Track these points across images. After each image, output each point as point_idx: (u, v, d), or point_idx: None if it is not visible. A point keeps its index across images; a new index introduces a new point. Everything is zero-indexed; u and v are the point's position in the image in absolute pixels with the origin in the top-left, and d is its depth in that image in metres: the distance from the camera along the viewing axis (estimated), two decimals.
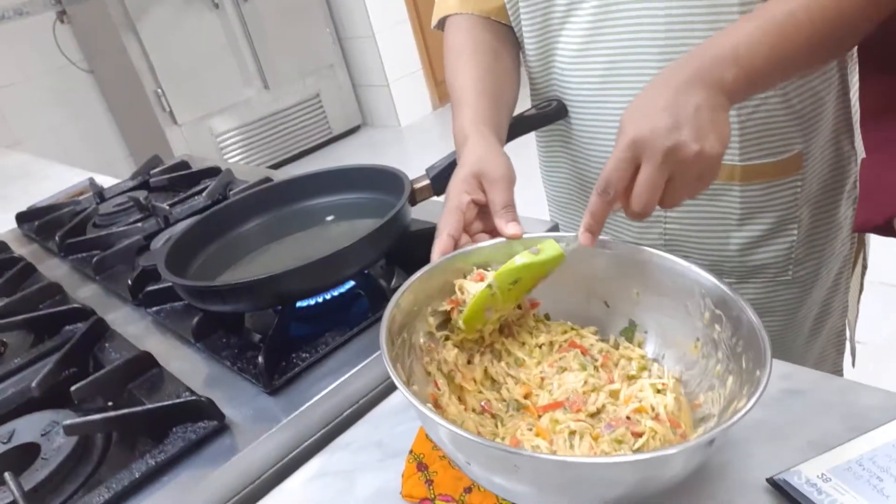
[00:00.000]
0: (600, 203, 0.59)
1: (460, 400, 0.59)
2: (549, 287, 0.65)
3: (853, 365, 1.03)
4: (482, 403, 0.58)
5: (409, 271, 0.88)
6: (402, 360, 0.57)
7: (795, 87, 0.78)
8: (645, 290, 0.63)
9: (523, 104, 0.92)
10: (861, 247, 0.93)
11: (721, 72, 0.61)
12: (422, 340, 0.61)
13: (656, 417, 0.55)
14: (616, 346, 0.64)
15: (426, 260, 0.87)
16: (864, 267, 0.94)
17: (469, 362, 0.61)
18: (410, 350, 0.60)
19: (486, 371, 0.61)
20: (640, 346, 0.64)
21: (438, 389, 0.57)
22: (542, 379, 0.60)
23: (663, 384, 0.58)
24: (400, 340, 0.58)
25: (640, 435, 0.54)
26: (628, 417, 0.56)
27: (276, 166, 4.39)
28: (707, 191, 0.78)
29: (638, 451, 0.53)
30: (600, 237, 0.62)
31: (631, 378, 0.60)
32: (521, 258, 0.60)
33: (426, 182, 0.89)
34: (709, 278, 0.57)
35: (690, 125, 0.58)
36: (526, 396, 0.58)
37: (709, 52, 0.62)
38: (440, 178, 0.89)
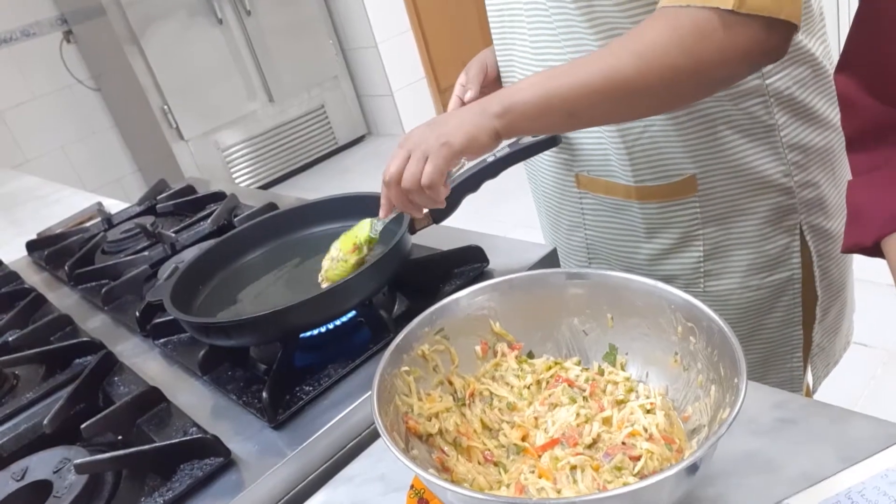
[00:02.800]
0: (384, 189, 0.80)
1: (468, 456, 0.60)
2: (528, 326, 0.68)
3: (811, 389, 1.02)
4: (484, 453, 0.59)
5: (411, 298, 0.91)
6: (398, 428, 0.58)
7: (682, 115, 0.81)
8: (618, 313, 0.65)
9: None
10: (810, 279, 0.91)
11: (494, 106, 0.72)
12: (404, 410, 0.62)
13: (650, 438, 0.57)
14: (601, 373, 0.65)
15: (428, 286, 0.90)
16: (816, 297, 0.92)
17: (463, 416, 0.63)
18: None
19: (481, 420, 0.62)
20: (623, 368, 0.65)
21: (446, 455, 0.58)
22: (536, 418, 0.61)
23: (651, 404, 0.60)
24: (392, 407, 0.59)
25: (638, 458, 0.55)
26: (624, 443, 0.57)
27: (283, 178, 4.42)
28: (613, 205, 0.92)
29: (638, 473, 0.54)
30: (569, 270, 0.72)
31: (620, 402, 0.62)
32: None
33: (425, 211, 0.91)
34: (676, 293, 0.59)
35: (441, 125, 0.74)
36: (524, 438, 0.59)
37: (500, 92, 0.74)
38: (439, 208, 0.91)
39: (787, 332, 0.93)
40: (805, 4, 0.81)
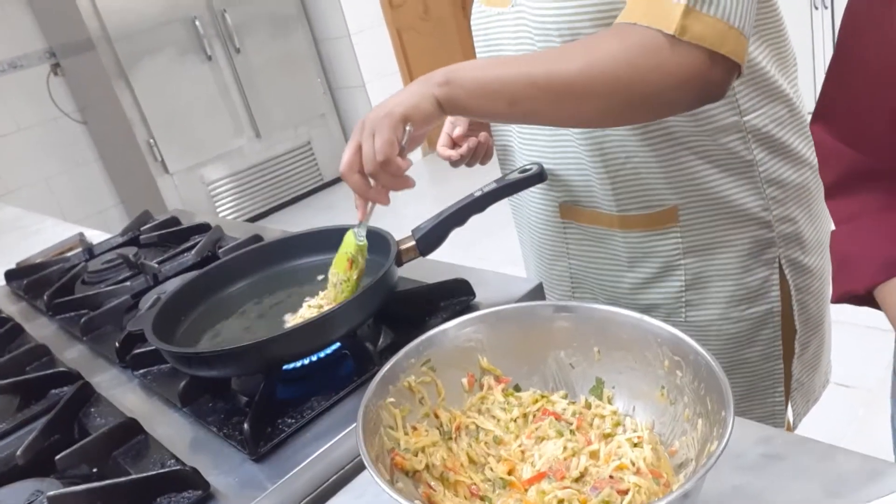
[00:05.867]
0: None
1: (455, 491, 0.58)
2: (515, 358, 0.68)
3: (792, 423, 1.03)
4: (471, 488, 0.58)
5: (396, 330, 0.90)
6: (383, 461, 0.57)
7: (663, 147, 0.83)
8: (605, 347, 0.65)
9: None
10: (789, 312, 0.92)
11: (437, 76, 0.75)
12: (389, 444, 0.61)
13: (638, 472, 0.56)
14: (588, 406, 0.65)
15: (413, 319, 0.89)
16: (795, 331, 0.93)
17: (449, 451, 0.62)
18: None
19: (468, 454, 0.61)
20: (610, 401, 0.65)
21: (433, 490, 0.57)
22: (523, 452, 0.60)
23: (639, 437, 0.60)
24: (377, 438, 0.58)
25: (625, 492, 0.54)
26: (611, 476, 0.57)
27: (268, 213, 4.42)
28: (596, 235, 0.93)
29: None
30: (556, 303, 0.71)
31: (607, 436, 0.62)
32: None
33: (412, 243, 0.91)
34: (662, 327, 0.60)
35: (385, 102, 0.75)
36: (510, 472, 0.58)
37: (449, 66, 0.77)
38: (426, 240, 0.91)
39: (767, 367, 0.94)
40: (781, 48, 0.84)
